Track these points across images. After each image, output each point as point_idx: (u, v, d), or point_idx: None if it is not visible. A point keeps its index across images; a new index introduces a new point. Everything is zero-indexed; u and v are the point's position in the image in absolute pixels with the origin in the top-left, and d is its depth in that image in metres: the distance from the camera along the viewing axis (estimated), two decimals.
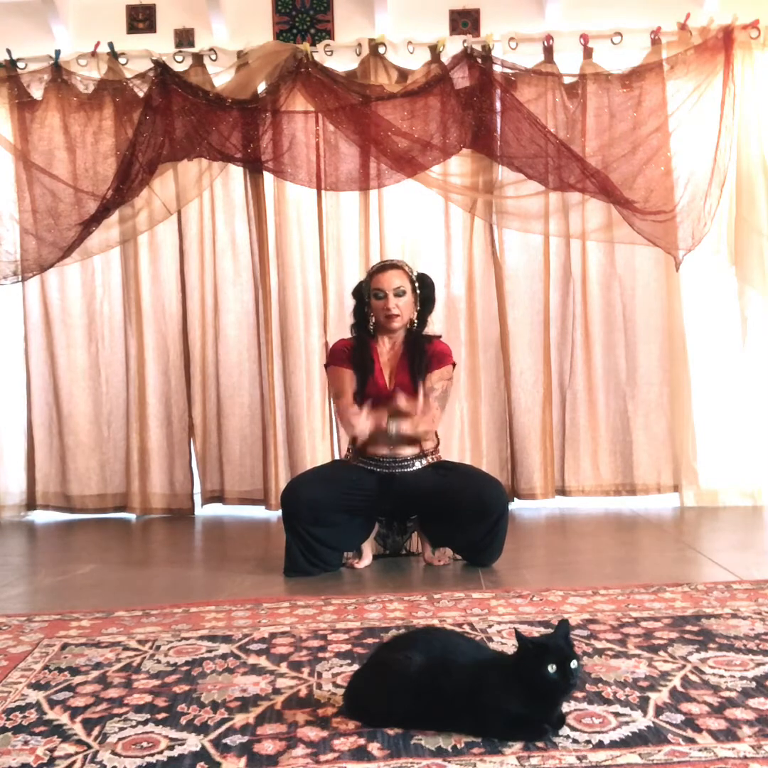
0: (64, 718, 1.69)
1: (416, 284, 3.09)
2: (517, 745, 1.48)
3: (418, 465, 3.07)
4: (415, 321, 3.11)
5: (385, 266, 3.10)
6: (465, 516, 2.95)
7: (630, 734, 1.53)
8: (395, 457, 3.05)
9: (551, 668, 1.49)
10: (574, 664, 1.51)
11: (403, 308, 3.04)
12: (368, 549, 3.15)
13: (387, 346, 3.12)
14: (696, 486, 4.31)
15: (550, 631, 1.63)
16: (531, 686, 1.50)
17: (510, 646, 2.01)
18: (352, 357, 3.08)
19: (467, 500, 2.95)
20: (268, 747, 1.53)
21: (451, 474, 3.05)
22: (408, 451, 3.06)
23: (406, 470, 3.05)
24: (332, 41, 4.40)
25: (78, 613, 2.49)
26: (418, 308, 3.12)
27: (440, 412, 3.13)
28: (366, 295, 3.09)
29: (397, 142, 4.21)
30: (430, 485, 3.01)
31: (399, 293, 3.03)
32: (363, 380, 3.05)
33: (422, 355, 3.06)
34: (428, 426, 3.02)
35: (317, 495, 2.98)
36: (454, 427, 4.34)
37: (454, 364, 3.18)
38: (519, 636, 1.56)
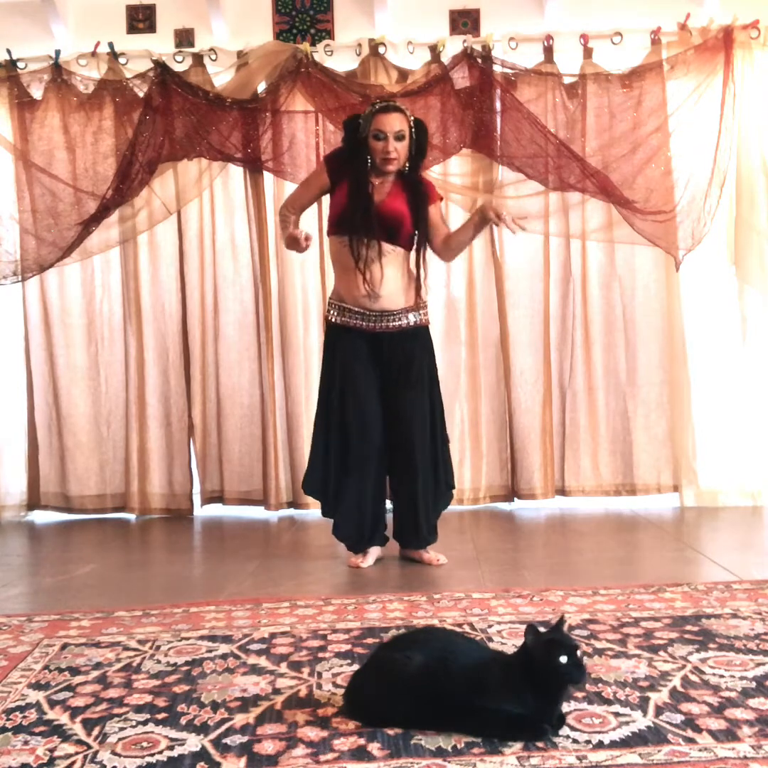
0: (64, 718, 1.70)
1: (413, 130, 3.05)
2: (517, 745, 1.49)
3: (407, 320, 3.09)
4: (408, 165, 3.08)
5: (389, 107, 3.04)
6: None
7: (630, 734, 1.53)
8: (382, 310, 3.06)
9: (563, 659, 1.49)
10: (579, 653, 1.52)
11: (400, 152, 3.02)
12: (374, 550, 3.14)
13: (378, 180, 3.08)
14: (696, 486, 4.31)
15: (550, 629, 1.63)
16: (544, 678, 1.50)
17: (510, 646, 2.01)
18: (341, 167, 3.08)
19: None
20: (268, 747, 1.53)
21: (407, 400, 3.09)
22: (395, 303, 3.07)
23: (393, 324, 3.07)
24: (332, 41, 4.40)
25: (78, 613, 2.49)
26: (413, 154, 3.07)
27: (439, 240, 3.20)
28: (363, 131, 3.03)
29: None
30: (408, 364, 3.09)
31: (399, 137, 3.00)
32: (352, 186, 3.05)
33: (418, 187, 3.10)
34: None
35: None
36: (454, 427, 4.33)
37: (441, 198, 3.29)
38: (528, 631, 1.55)
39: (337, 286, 3.20)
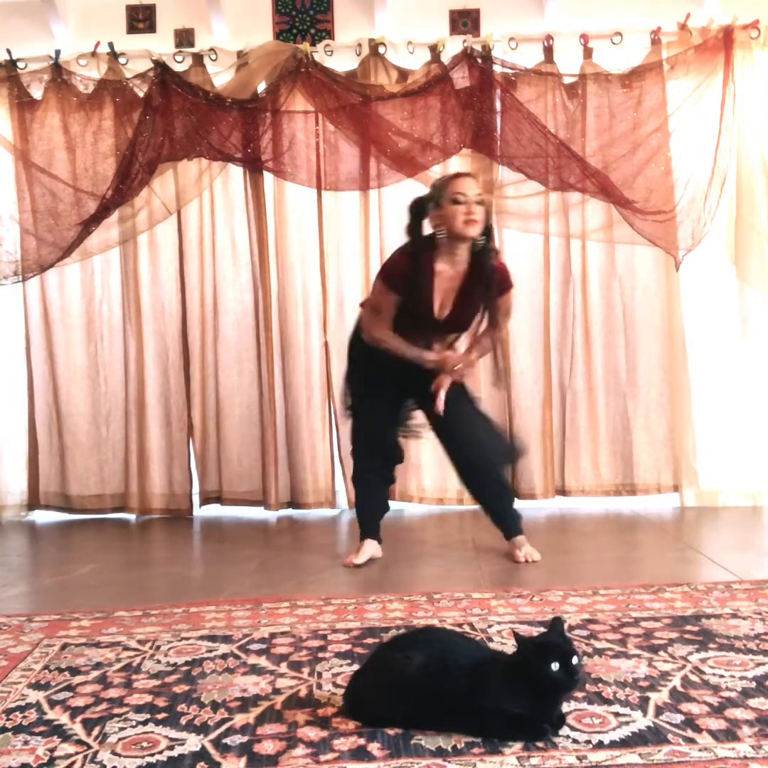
0: (64, 718, 1.70)
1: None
2: (517, 745, 1.49)
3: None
4: (483, 239, 2.96)
5: (462, 174, 3.02)
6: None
7: (630, 734, 1.53)
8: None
9: (554, 666, 1.49)
10: (575, 660, 1.51)
11: (480, 217, 2.90)
12: (367, 546, 3.15)
13: (448, 265, 2.98)
14: (696, 486, 4.31)
15: (545, 630, 1.63)
16: (535, 686, 1.50)
17: (510, 646, 2.01)
18: (405, 282, 2.95)
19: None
20: (268, 747, 1.53)
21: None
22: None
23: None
24: (332, 41, 4.40)
25: (78, 613, 2.49)
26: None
27: (502, 329, 3.19)
28: (438, 200, 2.92)
29: (397, 142, 4.21)
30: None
31: (480, 201, 2.92)
32: (413, 301, 2.96)
33: (490, 284, 2.99)
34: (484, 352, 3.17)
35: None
36: None
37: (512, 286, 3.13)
38: (518, 637, 1.56)
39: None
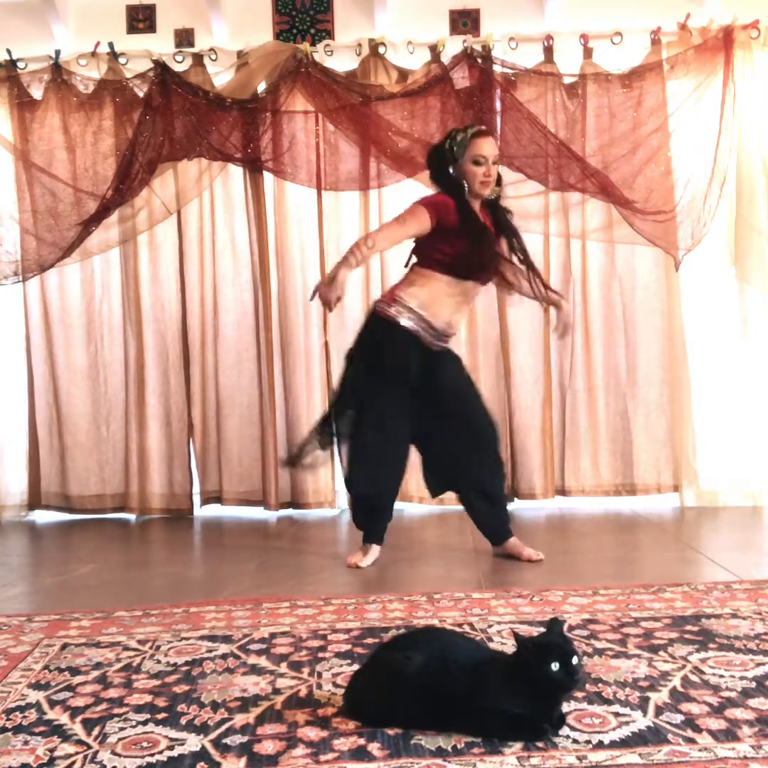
0: (64, 718, 1.70)
1: None
2: (517, 745, 1.48)
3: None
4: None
5: (483, 131, 3.06)
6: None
7: (630, 734, 1.53)
8: (452, 334, 3.12)
9: (554, 666, 1.49)
10: (575, 660, 1.51)
11: (494, 177, 3.01)
12: (374, 550, 3.14)
13: (477, 210, 3.06)
14: (696, 486, 4.31)
15: (545, 630, 1.63)
16: (535, 686, 1.50)
17: (510, 646, 2.01)
18: (459, 218, 2.94)
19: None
20: (268, 747, 1.53)
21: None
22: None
23: (445, 344, 3.11)
24: (332, 41, 4.40)
25: (78, 613, 2.48)
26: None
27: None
28: (458, 157, 2.97)
29: (397, 142, 4.21)
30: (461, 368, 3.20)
31: (495, 161, 3.01)
32: (473, 243, 2.97)
33: (514, 227, 3.13)
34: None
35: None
36: None
37: None
38: (518, 637, 1.56)
39: (422, 296, 3.00)
